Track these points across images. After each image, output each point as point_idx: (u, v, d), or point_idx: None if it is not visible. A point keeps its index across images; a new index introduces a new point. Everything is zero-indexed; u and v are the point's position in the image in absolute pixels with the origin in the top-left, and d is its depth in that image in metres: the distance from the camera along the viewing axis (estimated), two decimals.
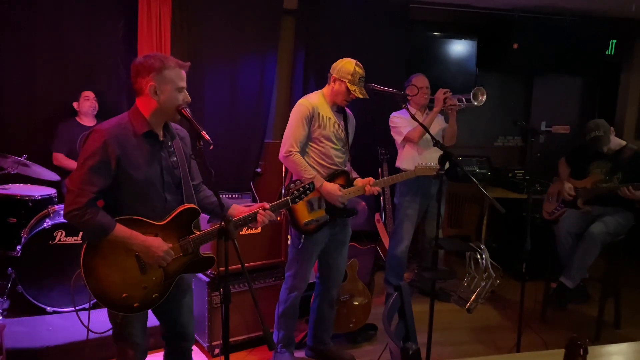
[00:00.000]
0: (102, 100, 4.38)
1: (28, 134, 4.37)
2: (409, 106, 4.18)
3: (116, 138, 2.04)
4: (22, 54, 4.34)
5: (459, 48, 5.66)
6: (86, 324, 2.52)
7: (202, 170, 2.39)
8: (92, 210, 2.00)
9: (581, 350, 1.24)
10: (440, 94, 4.04)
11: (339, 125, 3.10)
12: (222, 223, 2.00)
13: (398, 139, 4.21)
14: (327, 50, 5.04)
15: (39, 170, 3.92)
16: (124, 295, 2.11)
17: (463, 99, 4.07)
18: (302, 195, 2.49)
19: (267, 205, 2.36)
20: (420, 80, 4.18)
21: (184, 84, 2.13)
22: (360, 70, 3.01)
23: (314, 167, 3.04)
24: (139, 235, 2.08)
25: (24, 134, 4.36)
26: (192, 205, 2.23)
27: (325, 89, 3.11)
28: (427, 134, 4.00)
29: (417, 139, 4.06)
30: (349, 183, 3.14)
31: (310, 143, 3.06)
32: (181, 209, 2.20)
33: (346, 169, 3.18)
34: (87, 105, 4.28)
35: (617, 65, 6.26)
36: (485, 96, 4.02)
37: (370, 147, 4.94)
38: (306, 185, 2.49)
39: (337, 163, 3.11)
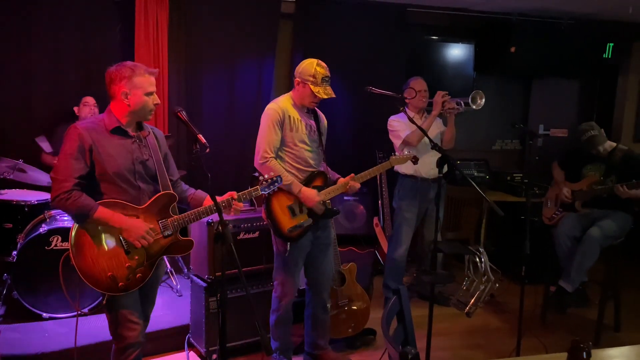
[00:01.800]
0: (100, 103, 4.36)
1: (25, 138, 4.35)
2: (407, 109, 4.18)
3: (88, 131, 2.27)
4: (20, 58, 4.33)
5: (457, 51, 5.67)
6: (76, 323, 2.53)
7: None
8: (75, 194, 2.21)
9: (584, 353, 1.21)
10: (439, 96, 4.03)
11: (310, 127, 3.09)
12: (219, 228, 2.02)
13: (397, 142, 4.20)
14: (325, 54, 4.96)
15: (36, 176, 3.90)
16: (109, 274, 2.28)
17: (462, 102, 4.06)
18: (271, 186, 2.57)
19: (235, 195, 2.48)
20: (418, 84, 4.17)
21: (152, 88, 2.36)
22: (322, 70, 2.98)
23: (290, 172, 3.02)
24: (120, 216, 2.29)
25: (22, 139, 4.34)
26: (170, 191, 2.44)
27: (293, 92, 3.09)
28: (425, 138, 4.01)
29: (415, 142, 4.05)
30: (326, 184, 3.12)
31: (284, 147, 3.03)
32: (160, 194, 2.41)
33: (322, 169, 3.16)
34: (86, 110, 4.27)
35: (615, 68, 6.28)
36: (483, 100, 4.01)
37: (367, 150, 4.93)
38: (274, 178, 2.58)
39: (312, 165, 3.10)
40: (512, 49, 5.40)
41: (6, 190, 3.91)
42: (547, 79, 6.15)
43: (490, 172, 5.71)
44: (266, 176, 2.58)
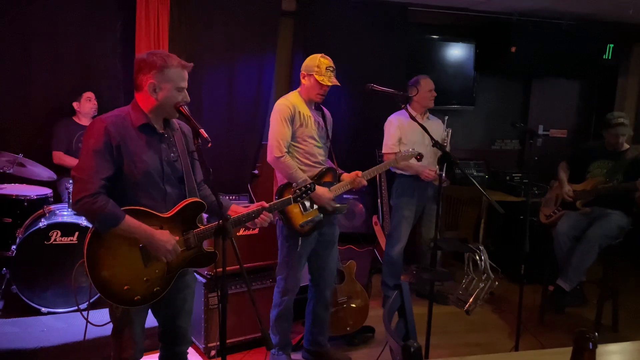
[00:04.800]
0: (99, 100, 4.36)
1: (24, 133, 4.34)
2: (409, 107, 4.19)
3: (115, 126, 2.06)
4: (19, 53, 4.31)
5: (457, 51, 5.67)
6: (85, 324, 2.49)
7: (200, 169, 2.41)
8: (103, 198, 2.00)
9: (590, 344, 1.22)
10: (428, 172, 4.04)
11: (318, 123, 3.12)
12: (220, 221, 2.00)
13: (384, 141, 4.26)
14: (326, 52, 4.98)
15: (36, 170, 3.89)
16: (125, 287, 2.10)
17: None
18: (304, 195, 2.51)
19: (266, 205, 2.36)
20: (424, 82, 4.19)
21: (184, 84, 2.15)
22: (325, 61, 3.02)
23: (299, 167, 3.04)
24: (147, 228, 2.07)
25: (21, 134, 4.33)
26: (198, 199, 2.24)
27: (300, 88, 3.13)
28: (426, 136, 4.01)
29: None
30: (335, 179, 3.15)
31: (293, 143, 3.05)
32: (187, 202, 2.20)
33: (329, 166, 3.18)
34: (88, 106, 4.27)
35: (615, 69, 6.29)
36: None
37: (367, 148, 4.93)
38: (308, 185, 2.51)
39: (320, 161, 3.13)
40: (513, 49, 5.40)
41: (5, 185, 3.90)
42: (547, 79, 6.16)
43: (489, 172, 5.72)
44: (300, 183, 2.53)
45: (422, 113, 4.22)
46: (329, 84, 3.01)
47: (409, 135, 4.11)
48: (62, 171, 4.09)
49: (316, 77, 2.99)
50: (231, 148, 4.95)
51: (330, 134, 3.23)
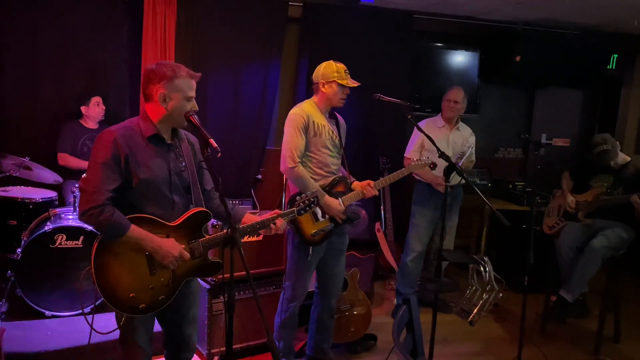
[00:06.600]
0: (105, 103, 4.36)
1: (31, 136, 4.35)
2: (439, 116, 4.19)
3: (124, 138, 2.09)
4: (26, 56, 4.32)
5: (462, 59, 5.68)
6: (90, 328, 2.49)
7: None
8: (109, 209, 2.02)
9: None
10: (438, 181, 4.08)
11: (333, 132, 3.10)
12: (229, 231, 2.02)
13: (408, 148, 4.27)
14: (331, 59, 5.02)
15: (42, 174, 3.90)
16: (131, 295, 2.11)
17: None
18: (307, 208, 2.51)
19: (279, 212, 2.38)
20: (449, 93, 4.24)
21: (193, 93, 2.18)
22: (341, 65, 3.04)
23: (312, 177, 3.03)
24: (153, 237, 2.10)
25: (27, 137, 4.34)
26: (204, 209, 2.26)
27: (316, 97, 3.10)
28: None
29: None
30: (348, 189, 3.14)
31: (307, 152, 3.04)
32: (193, 211, 2.22)
33: (342, 175, 3.18)
34: (96, 111, 4.28)
35: (618, 80, 6.31)
36: None
37: (372, 156, 4.94)
38: (311, 199, 2.51)
39: (333, 170, 3.12)
40: (517, 58, 5.41)
41: (10, 187, 3.91)
42: (551, 88, 6.17)
43: (492, 180, 5.72)
44: (303, 196, 2.53)
45: (451, 122, 4.23)
46: (353, 85, 3.01)
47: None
48: (67, 174, 4.11)
49: (339, 81, 2.97)
50: (235, 153, 4.96)
51: (343, 142, 3.21)
